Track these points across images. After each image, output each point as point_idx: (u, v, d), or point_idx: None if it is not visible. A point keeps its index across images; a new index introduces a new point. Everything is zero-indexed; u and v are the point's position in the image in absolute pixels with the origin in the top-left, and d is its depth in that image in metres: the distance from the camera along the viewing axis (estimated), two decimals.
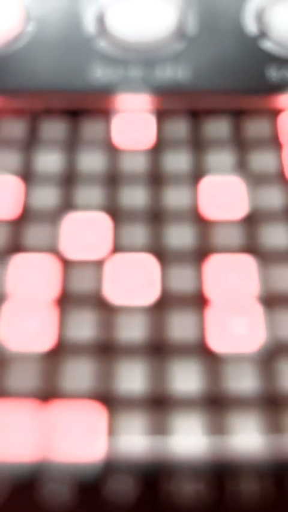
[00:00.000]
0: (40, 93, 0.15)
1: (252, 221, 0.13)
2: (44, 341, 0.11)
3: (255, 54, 0.16)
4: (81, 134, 0.14)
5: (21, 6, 0.17)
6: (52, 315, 0.12)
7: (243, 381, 0.11)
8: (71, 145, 0.14)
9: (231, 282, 0.12)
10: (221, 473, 0.10)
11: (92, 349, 0.11)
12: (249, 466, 0.10)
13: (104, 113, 0.15)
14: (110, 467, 0.10)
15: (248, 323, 0.11)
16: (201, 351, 0.11)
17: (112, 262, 0.12)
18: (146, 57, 0.16)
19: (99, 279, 0.12)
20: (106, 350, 0.11)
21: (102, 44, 0.16)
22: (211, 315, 0.12)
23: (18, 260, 0.12)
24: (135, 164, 0.14)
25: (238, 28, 0.16)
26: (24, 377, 0.11)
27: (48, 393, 0.11)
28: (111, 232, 0.13)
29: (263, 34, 0.16)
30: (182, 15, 0.16)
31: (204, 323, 0.11)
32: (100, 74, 0.15)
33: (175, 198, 0.13)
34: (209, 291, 0.12)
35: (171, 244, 0.13)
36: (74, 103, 0.15)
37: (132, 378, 0.11)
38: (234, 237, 0.13)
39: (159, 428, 0.10)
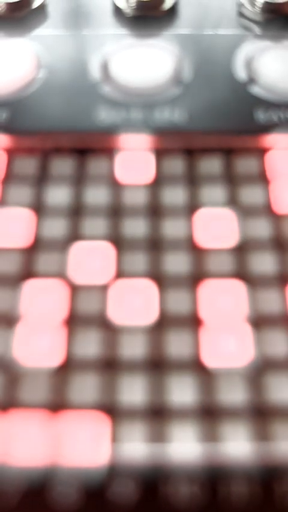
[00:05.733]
0: (50, 133, 0.15)
1: (242, 249, 0.13)
2: (53, 357, 0.12)
3: (244, 99, 0.16)
4: (87, 171, 0.15)
5: (33, 55, 0.17)
6: (61, 334, 0.12)
7: (234, 394, 0.11)
8: (78, 180, 0.14)
9: (223, 304, 0.12)
10: (214, 477, 0.10)
11: (97, 365, 0.12)
12: (240, 470, 0.10)
13: (108, 151, 0.15)
14: (114, 472, 0.10)
15: (238, 341, 0.12)
16: (196, 366, 0.11)
17: (115, 287, 0.13)
18: (146, 101, 0.16)
19: (103, 301, 0.12)
20: (110, 366, 0.12)
21: (106, 89, 0.16)
22: (205, 334, 0.12)
23: (30, 285, 0.13)
24: (136, 198, 0.14)
25: (229, 75, 0.16)
26: (35, 390, 0.11)
27: (57, 404, 0.11)
28: (115, 260, 0.13)
29: (251, 80, 0.16)
30: (179, 63, 0.17)
31: (199, 341, 0.12)
32: (104, 116, 0.15)
33: (172, 228, 0.14)
34: (203, 312, 0.12)
35: (168, 270, 0.13)
36: (81, 142, 0.15)
37: (133, 390, 0.11)
38: (226, 263, 0.13)
39: (158, 436, 0.11)
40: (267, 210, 0.14)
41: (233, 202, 0.14)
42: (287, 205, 0.14)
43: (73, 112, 0.16)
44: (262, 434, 0.11)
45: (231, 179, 0.14)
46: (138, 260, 0.13)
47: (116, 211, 0.14)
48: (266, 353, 0.12)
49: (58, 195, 0.14)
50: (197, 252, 0.13)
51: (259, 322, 0.12)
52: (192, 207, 0.14)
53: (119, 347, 0.12)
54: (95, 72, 0.17)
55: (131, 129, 0.15)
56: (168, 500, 0.10)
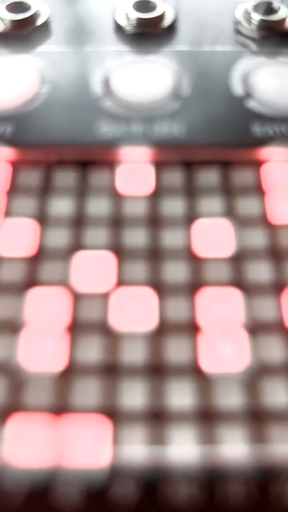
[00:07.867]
0: (53, 146, 0.15)
1: (238, 259, 0.13)
2: (57, 362, 0.12)
3: (241, 113, 0.16)
4: (89, 183, 0.15)
5: (37, 71, 0.17)
6: (64, 341, 0.12)
7: (231, 398, 0.11)
8: (81, 192, 0.15)
9: (220, 311, 0.12)
10: (211, 478, 0.10)
11: (99, 370, 0.12)
12: (236, 471, 0.11)
13: (109, 164, 0.15)
14: (115, 473, 0.10)
15: (234, 347, 0.12)
16: (194, 371, 0.12)
17: (116, 295, 0.13)
18: (146, 115, 0.16)
19: (105, 309, 0.13)
20: (111, 371, 0.12)
21: (107, 104, 0.16)
22: (203, 340, 0.12)
23: (34, 293, 0.13)
24: (136, 209, 0.14)
25: (226, 90, 0.17)
26: (40, 394, 0.11)
27: (60, 408, 0.11)
28: (116, 268, 0.13)
29: (248, 95, 0.17)
30: (177, 78, 0.17)
31: (197, 347, 0.12)
32: (106, 129, 0.16)
33: (171, 238, 0.14)
34: (201, 319, 0.12)
35: (167, 278, 0.13)
36: (83, 155, 0.15)
37: (134, 395, 0.11)
38: (223, 272, 0.13)
39: (158, 439, 0.11)
40: (262, 220, 0.14)
41: (230, 213, 0.14)
42: (282, 216, 0.14)
43: (75, 126, 0.16)
44: (258, 437, 0.11)
45: (228, 191, 0.15)
46: (139, 269, 0.13)
47: (116, 222, 0.14)
48: (261, 358, 0.12)
49: (61, 206, 0.14)
50: (195, 261, 0.13)
51: (255, 329, 0.12)
52: (190, 218, 0.14)
53: (120, 352, 0.12)
54: (96, 87, 0.17)
55: (131, 142, 0.15)
56: (167, 501, 0.10)
